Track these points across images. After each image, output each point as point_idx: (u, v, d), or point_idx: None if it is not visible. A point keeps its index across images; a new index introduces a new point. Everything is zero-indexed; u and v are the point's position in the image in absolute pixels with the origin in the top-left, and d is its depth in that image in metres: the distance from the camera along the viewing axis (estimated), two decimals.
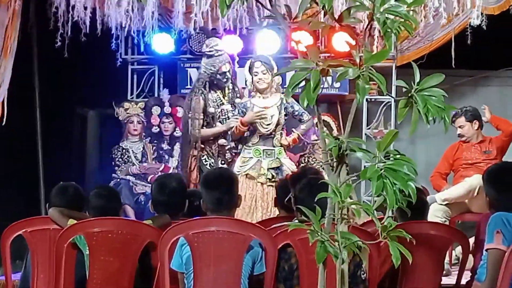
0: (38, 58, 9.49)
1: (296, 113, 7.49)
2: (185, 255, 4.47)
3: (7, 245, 5.24)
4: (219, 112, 7.68)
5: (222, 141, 7.66)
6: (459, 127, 7.71)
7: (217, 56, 7.66)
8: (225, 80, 7.67)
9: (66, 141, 10.27)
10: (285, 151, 7.51)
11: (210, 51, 7.70)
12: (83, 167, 10.50)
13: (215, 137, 7.66)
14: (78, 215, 5.19)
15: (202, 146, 7.64)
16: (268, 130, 7.45)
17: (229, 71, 7.69)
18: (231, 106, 7.72)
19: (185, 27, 9.32)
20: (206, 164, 7.62)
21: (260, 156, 7.40)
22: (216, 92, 7.69)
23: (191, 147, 7.65)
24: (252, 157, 7.43)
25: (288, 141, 7.49)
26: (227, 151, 7.71)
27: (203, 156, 7.63)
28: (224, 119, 7.66)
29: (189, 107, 7.67)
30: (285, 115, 7.49)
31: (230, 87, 7.79)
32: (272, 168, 7.34)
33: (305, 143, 9.20)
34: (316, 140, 9.00)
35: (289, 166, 7.43)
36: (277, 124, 7.44)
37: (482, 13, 8.48)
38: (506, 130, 7.66)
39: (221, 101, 7.70)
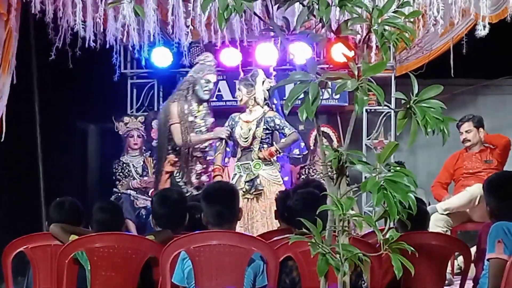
0: (37, 73, 9.49)
1: (278, 127, 7.53)
2: (187, 269, 4.46)
3: (8, 261, 5.23)
4: (194, 124, 7.74)
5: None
6: (466, 131, 7.70)
7: (208, 65, 7.83)
8: (206, 89, 7.73)
9: (66, 156, 10.26)
10: (263, 164, 7.52)
11: (203, 60, 7.91)
12: (84, 182, 10.51)
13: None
14: (79, 230, 5.19)
15: (176, 160, 7.68)
16: (246, 143, 7.54)
17: (213, 83, 7.78)
18: (204, 123, 7.75)
19: (185, 40, 9.34)
20: (179, 182, 7.65)
21: (240, 172, 7.48)
22: (192, 105, 7.73)
23: (165, 159, 7.72)
24: (236, 174, 7.59)
25: (264, 155, 7.51)
26: (200, 162, 7.73)
27: (176, 174, 7.68)
28: (196, 132, 7.70)
29: (169, 113, 7.71)
30: (267, 129, 7.52)
31: (206, 105, 7.84)
32: (247, 181, 7.41)
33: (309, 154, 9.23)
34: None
35: (268, 178, 7.47)
36: (254, 138, 7.50)
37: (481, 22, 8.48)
38: (499, 144, 7.65)
39: (195, 114, 7.72)
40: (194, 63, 8.25)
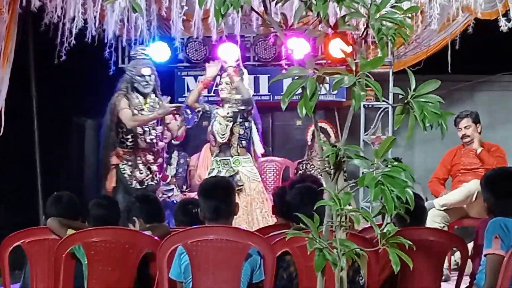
0: (35, 68, 9.48)
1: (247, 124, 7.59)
2: (184, 264, 4.46)
3: (5, 255, 5.23)
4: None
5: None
6: (465, 127, 7.70)
7: (140, 59, 7.80)
8: (144, 84, 7.69)
9: (64, 150, 10.25)
10: (242, 160, 7.54)
11: (134, 54, 7.92)
12: (81, 176, 10.49)
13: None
14: (76, 225, 5.19)
15: (122, 152, 7.64)
16: (224, 139, 7.58)
17: (149, 75, 7.73)
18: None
19: (182, 35, 9.35)
20: (124, 173, 7.61)
21: (219, 167, 7.47)
22: (138, 98, 7.70)
23: (111, 153, 7.67)
24: (214, 169, 7.61)
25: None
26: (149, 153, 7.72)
27: (121, 165, 7.64)
28: (143, 127, 7.67)
29: (113, 110, 7.65)
30: (243, 124, 7.53)
31: (153, 96, 7.80)
32: (227, 177, 7.38)
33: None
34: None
35: (247, 174, 7.47)
36: (232, 134, 7.51)
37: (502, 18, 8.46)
38: (492, 165, 7.62)
39: (142, 107, 7.68)
40: (130, 55, 8.39)
